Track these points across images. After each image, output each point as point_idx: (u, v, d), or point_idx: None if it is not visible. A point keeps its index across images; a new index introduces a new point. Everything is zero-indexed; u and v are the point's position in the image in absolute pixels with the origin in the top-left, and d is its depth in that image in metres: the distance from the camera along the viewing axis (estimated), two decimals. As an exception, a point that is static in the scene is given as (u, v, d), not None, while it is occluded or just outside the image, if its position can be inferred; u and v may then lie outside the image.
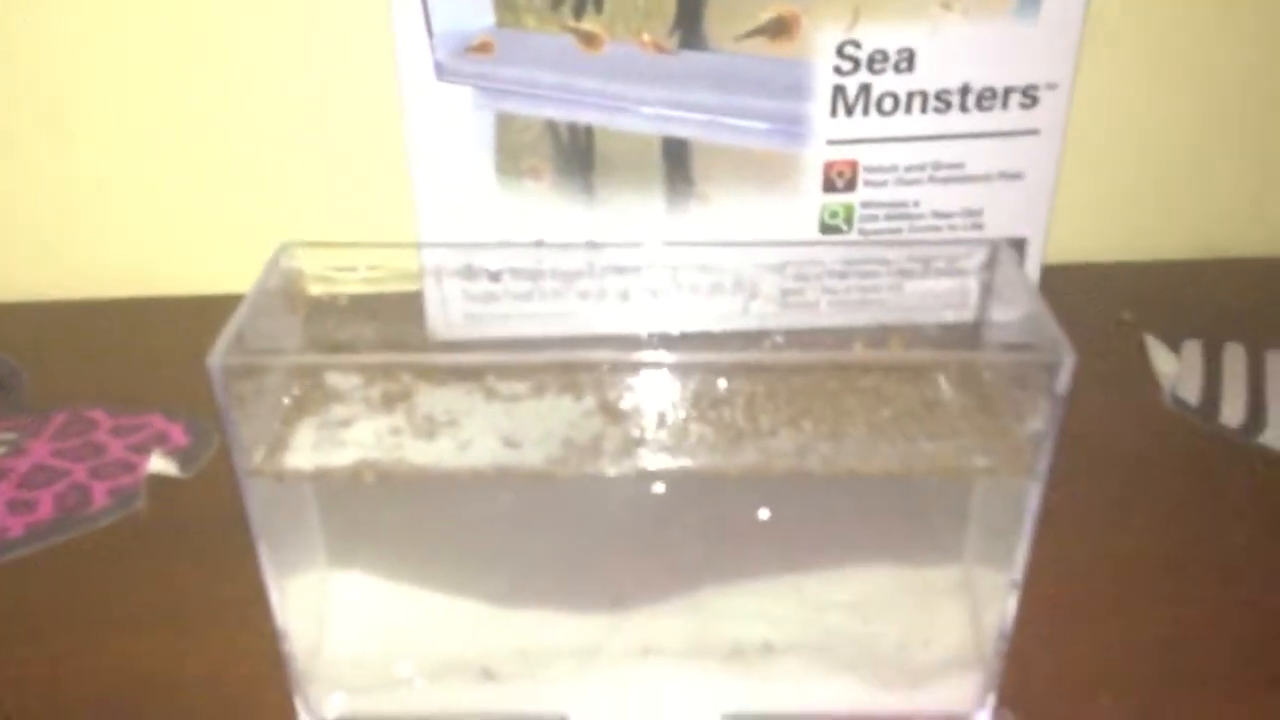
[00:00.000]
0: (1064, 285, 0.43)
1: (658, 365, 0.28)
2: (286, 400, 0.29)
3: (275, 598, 0.28)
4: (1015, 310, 0.30)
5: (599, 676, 0.31)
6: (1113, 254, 0.54)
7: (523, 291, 0.39)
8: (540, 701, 0.31)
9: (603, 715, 0.31)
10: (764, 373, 0.30)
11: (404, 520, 0.30)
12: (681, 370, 0.29)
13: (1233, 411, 0.44)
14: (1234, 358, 0.47)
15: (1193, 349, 0.48)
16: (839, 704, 0.31)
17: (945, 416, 0.29)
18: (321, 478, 0.28)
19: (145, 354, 0.49)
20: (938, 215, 0.47)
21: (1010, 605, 0.28)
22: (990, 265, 0.30)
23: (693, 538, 0.30)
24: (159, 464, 0.41)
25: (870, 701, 0.30)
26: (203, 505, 0.40)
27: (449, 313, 0.42)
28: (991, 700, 0.30)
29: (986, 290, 0.30)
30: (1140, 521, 0.38)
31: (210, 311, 0.51)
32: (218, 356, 0.25)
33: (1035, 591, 0.29)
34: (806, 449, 0.28)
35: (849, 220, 0.48)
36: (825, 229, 0.48)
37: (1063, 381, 0.25)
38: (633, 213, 0.47)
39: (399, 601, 0.31)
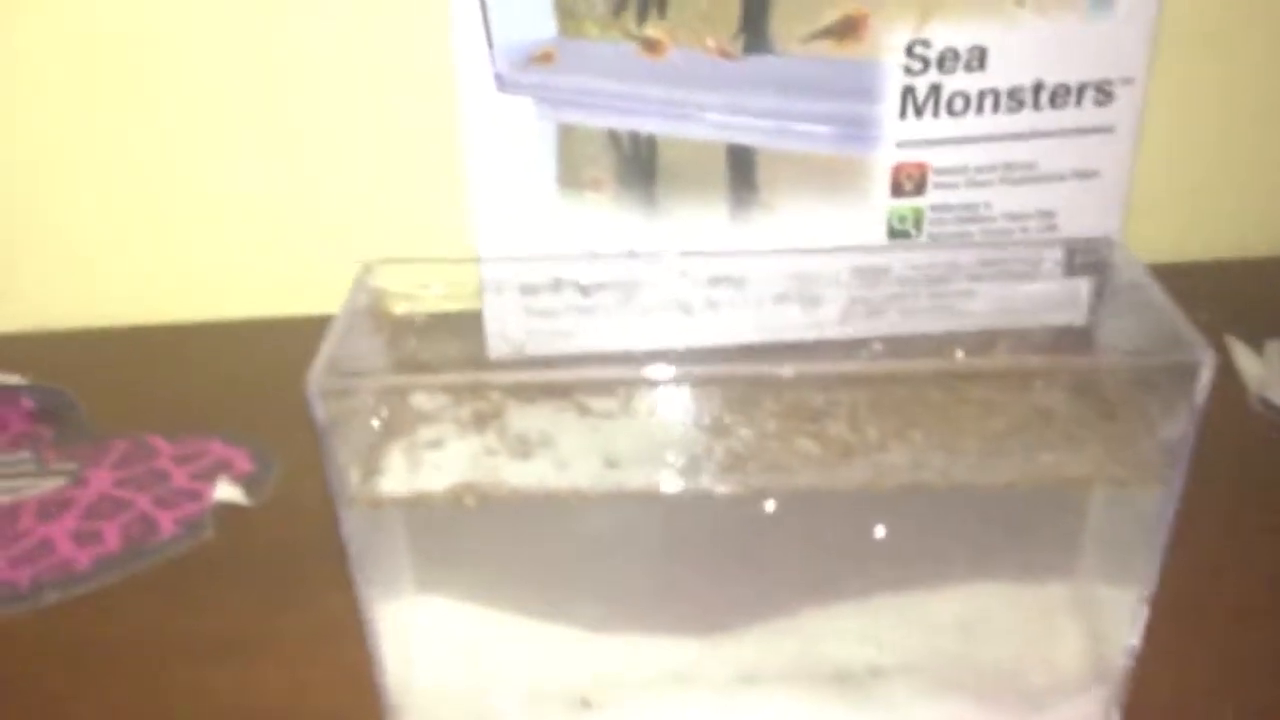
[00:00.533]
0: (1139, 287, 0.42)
1: (755, 377, 0.27)
2: (375, 423, 0.28)
3: (370, 626, 0.27)
4: (1123, 313, 0.29)
5: (700, 703, 0.30)
6: (1190, 254, 0.52)
7: (586, 305, 0.38)
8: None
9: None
10: (866, 384, 0.29)
11: (495, 543, 0.29)
12: (779, 382, 0.28)
13: (1327, 412, 0.42)
14: (1320, 356, 0.45)
15: (1276, 349, 0.46)
16: (953, 727, 0.29)
17: (1063, 426, 0.27)
18: (420, 503, 0.26)
19: (202, 379, 0.49)
20: (1010, 217, 0.46)
21: (1139, 623, 0.27)
22: (1101, 265, 0.29)
23: (795, 557, 0.29)
24: (225, 491, 0.40)
25: (985, 723, 0.29)
26: (271, 533, 0.39)
27: (509, 329, 0.41)
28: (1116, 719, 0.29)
29: (1099, 291, 0.29)
30: (1247, 528, 0.37)
31: (265, 334, 0.50)
32: (315, 379, 0.24)
33: (1160, 618, 0.27)
34: (918, 463, 0.27)
35: (918, 224, 0.46)
36: (893, 234, 0.47)
37: (1204, 383, 0.23)
38: (696, 223, 0.46)
39: (490, 628, 0.30)
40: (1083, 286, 0.29)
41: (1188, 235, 0.53)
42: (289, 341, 0.46)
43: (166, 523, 0.39)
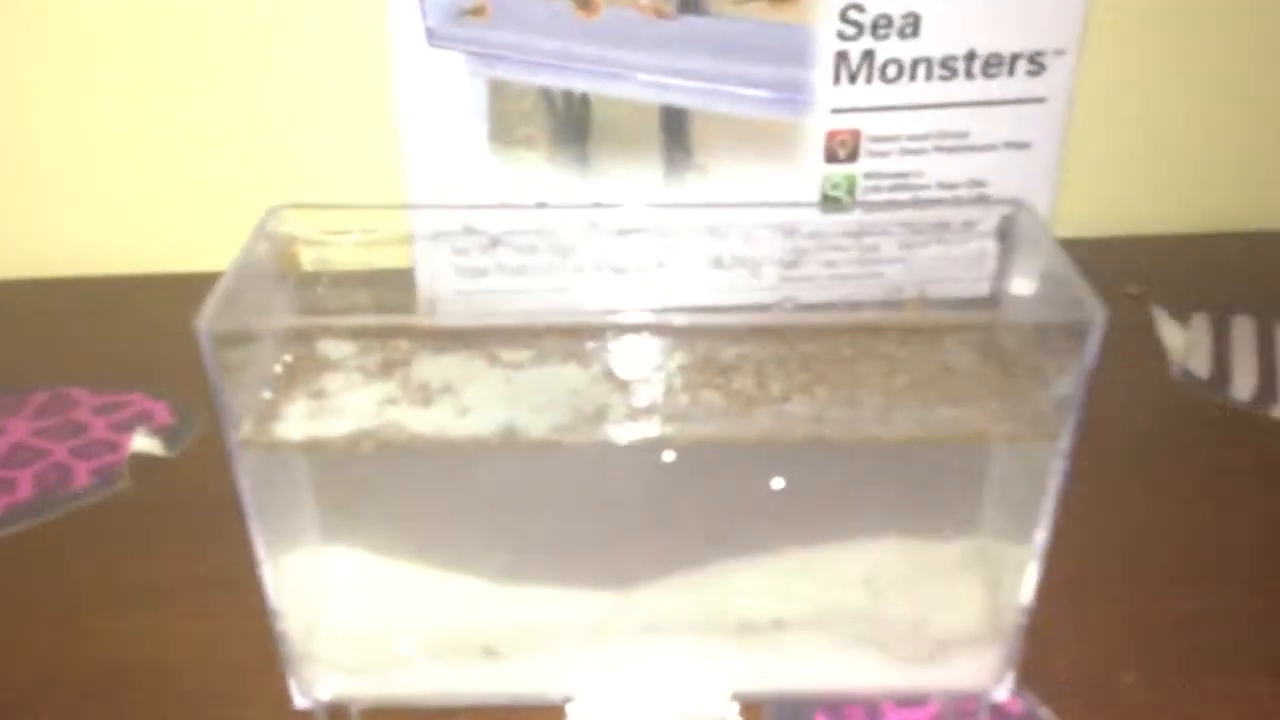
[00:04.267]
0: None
1: (665, 329, 0.27)
2: (277, 369, 0.27)
3: (268, 575, 0.27)
4: (1032, 276, 0.29)
5: (605, 655, 0.30)
6: (1120, 228, 0.53)
7: (517, 265, 0.37)
8: (545, 681, 0.29)
9: (609, 695, 0.29)
10: (775, 339, 0.29)
11: (401, 493, 0.29)
12: (689, 335, 0.28)
13: (1244, 384, 0.43)
14: (1243, 330, 0.46)
15: (1201, 322, 0.47)
16: (853, 680, 0.30)
17: (965, 382, 0.28)
18: (316, 448, 0.26)
19: (127, 333, 0.48)
20: (942, 186, 0.46)
21: (1031, 577, 0.27)
22: (1007, 228, 0.29)
23: (701, 511, 0.29)
24: (143, 443, 0.40)
25: (885, 677, 0.29)
26: (189, 485, 0.39)
27: (438, 286, 0.41)
28: (1010, 676, 0.29)
29: (1005, 253, 0.29)
30: (1155, 495, 0.37)
31: (195, 288, 0.50)
32: (205, 320, 0.23)
33: (1051, 566, 0.28)
34: (821, 416, 0.27)
35: (851, 191, 0.46)
36: (827, 201, 0.47)
37: (1093, 343, 0.24)
38: (629, 184, 0.45)
39: (396, 578, 0.30)
40: (990, 248, 0.29)
41: (1120, 208, 0.54)
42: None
43: (82, 472, 0.39)
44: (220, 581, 0.34)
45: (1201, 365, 0.44)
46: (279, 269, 0.28)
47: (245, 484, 0.25)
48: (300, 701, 0.29)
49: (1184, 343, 0.45)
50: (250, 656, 0.31)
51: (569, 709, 0.29)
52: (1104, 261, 0.50)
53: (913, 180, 0.46)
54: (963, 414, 0.27)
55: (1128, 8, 0.50)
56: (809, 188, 0.46)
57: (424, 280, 0.36)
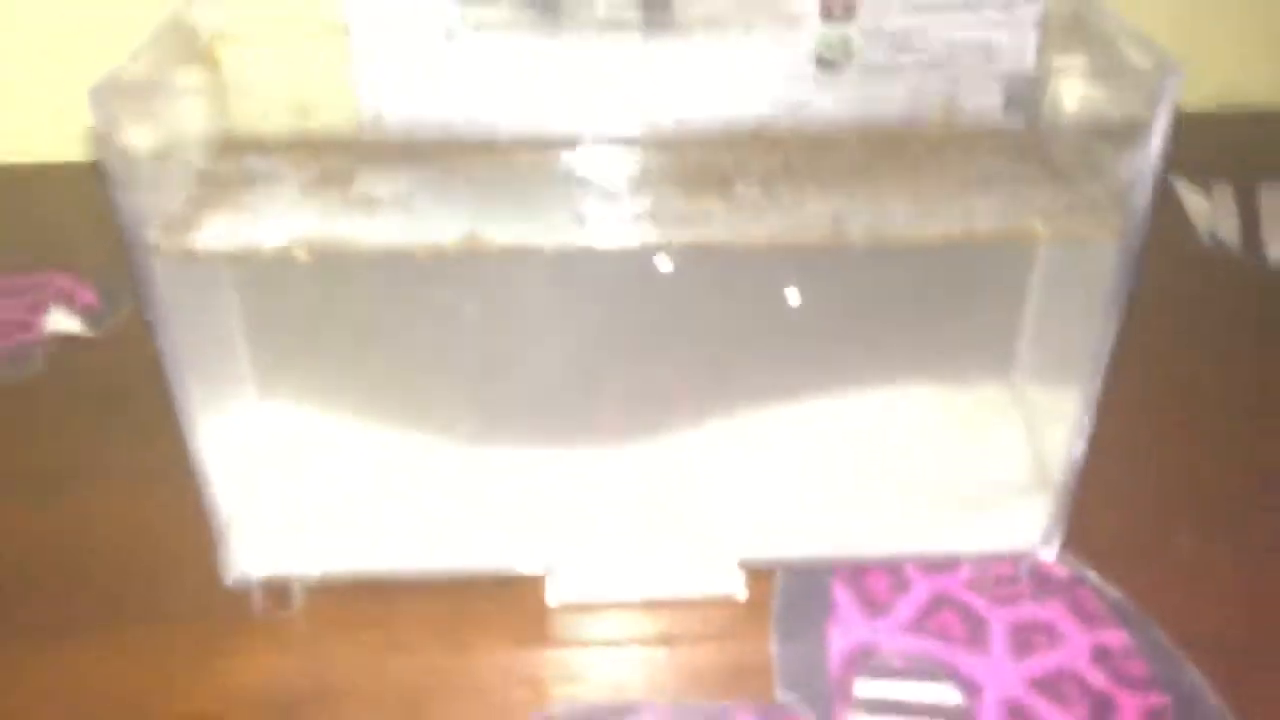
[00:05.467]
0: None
1: (654, 140, 0.23)
2: (194, 180, 0.23)
3: (192, 433, 0.23)
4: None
5: (589, 521, 0.26)
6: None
7: (475, 73, 0.32)
8: (518, 552, 0.25)
9: (592, 567, 0.25)
10: (780, 149, 0.25)
11: (346, 331, 0.24)
12: (683, 146, 0.24)
13: (1276, 245, 0.39)
14: (1271, 196, 0.43)
15: (1224, 191, 0.43)
16: (875, 543, 0.26)
17: (1006, 183, 0.24)
18: (241, 260, 0.22)
19: (53, 218, 0.43)
20: (949, 45, 0.42)
21: (1083, 423, 0.23)
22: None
23: (703, 346, 0.25)
24: (62, 322, 0.36)
25: (911, 539, 0.26)
26: (115, 367, 0.34)
27: (381, 96, 0.35)
28: (1058, 537, 0.25)
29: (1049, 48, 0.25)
30: (1199, 355, 0.34)
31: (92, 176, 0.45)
32: (99, 98, 0.19)
33: (1097, 434, 0.24)
34: (839, 217, 0.23)
35: (847, 53, 0.42)
36: (821, 65, 0.42)
37: (1170, 95, 0.20)
38: (605, 47, 0.41)
39: (343, 434, 0.26)
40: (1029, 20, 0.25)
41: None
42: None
43: (-10, 353, 0.34)
44: (148, 466, 0.29)
45: (1231, 233, 0.41)
46: (194, 68, 0.23)
47: (162, 313, 0.21)
48: (232, 577, 0.25)
49: (1209, 210, 0.42)
50: (177, 538, 0.27)
51: (547, 584, 0.25)
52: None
53: (914, 41, 0.42)
54: (1005, 209, 0.23)
55: None
56: (802, 49, 0.42)
57: (365, 89, 0.31)
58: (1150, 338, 0.34)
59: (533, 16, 0.40)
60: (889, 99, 0.33)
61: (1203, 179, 0.44)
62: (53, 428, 0.32)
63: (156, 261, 0.21)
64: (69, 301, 0.37)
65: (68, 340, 0.35)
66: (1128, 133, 0.21)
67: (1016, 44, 0.40)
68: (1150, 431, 0.30)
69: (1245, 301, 0.37)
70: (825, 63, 0.43)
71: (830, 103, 0.35)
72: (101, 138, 0.20)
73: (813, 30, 0.41)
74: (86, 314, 0.36)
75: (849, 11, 0.41)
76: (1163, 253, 0.39)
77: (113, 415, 0.32)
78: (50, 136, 0.47)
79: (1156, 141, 0.21)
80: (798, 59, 0.42)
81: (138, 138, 0.20)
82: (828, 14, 0.41)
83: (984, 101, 0.29)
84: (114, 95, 0.20)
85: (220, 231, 0.22)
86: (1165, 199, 0.43)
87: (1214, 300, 0.37)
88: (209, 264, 0.22)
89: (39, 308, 0.36)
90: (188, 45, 0.24)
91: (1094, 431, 0.24)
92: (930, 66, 0.42)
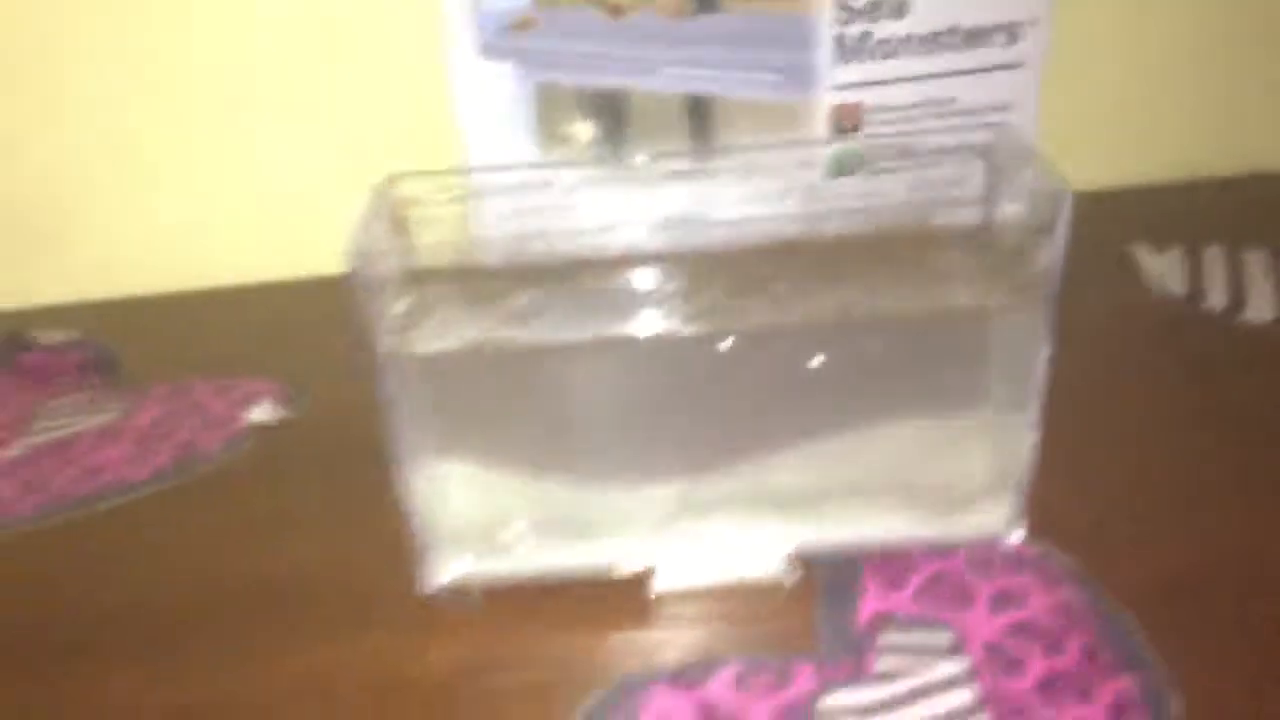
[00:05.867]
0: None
1: (707, 254, 0.33)
2: (399, 306, 0.33)
3: (404, 480, 0.33)
4: (1015, 187, 0.35)
5: (678, 532, 0.35)
6: (1097, 181, 0.59)
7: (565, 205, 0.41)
8: (629, 556, 0.35)
9: (683, 564, 0.35)
10: (800, 255, 0.35)
11: (501, 407, 0.35)
12: (729, 257, 0.34)
13: (1218, 297, 0.48)
14: (1214, 256, 0.52)
15: (1176, 252, 0.52)
16: (890, 537, 0.35)
17: (962, 275, 0.33)
18: (441, 360, 0.32)
19: (229, 335, 0.54)
20: (941, 152, 0.52)
21: (1031, 440, 0.33)
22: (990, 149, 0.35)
23: (751, 405, 0.35)
24: (260, 414, 0.46)
25: (918, 532, 0.35)
26: (306, 445, 0.45)
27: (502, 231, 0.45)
28: (1022, 525, 0.35)
29: (993, 172, 0.35)
30: (1141, 388, 0.43)
31: (284, 295, 0.56)
32: (353, 254, 0.29)
33: (1055, 440, 0.34)
34: (847, 304, 0.33)
35: (858, 164, 0.52)
36: (836, 174, 0.53)
37: (1064, 213, 0.29)
38: (661, 179, 0.51)
39: (500, 481, 0.36)
40: (978, 167, 0.35)
41: (1096, 162, 0.60)
42: (306, 301, 0.53)
43: (209, 441, 0.45)
44: (342, 515, 0.40)
45: (1177, 285, 0.50)
46: (392, 224, 0.34)
47: (388, 396, 0.31)
48: (429, 584, 0.35)
49: (1162, 268, 0.51)
50: (382, 563, 0.36)
51: (651, 579, 0.35)
52: (1086, 213, 0.56)
53: (915, 148, 0.52)
54: (961, 295, 0.33)
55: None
56: (820, 161, 0.52)
57: (487, 229, 0.41)
58: (1101, 370, 0.44)
59: (607, 153, 0.50)
60: (891, 194, 0.43)
61: (1161, 242, 0.53)
62: (269, 491, 0.42)
63: (385, 363, 0.31)
64: (260, 399, 0.47)
65: (265, 428, 0.46)
66: (1042, 234, 0.31)
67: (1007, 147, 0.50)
68: (1100, 442, 0.40)
69: (1182, 339, 0.46)
70: (839, 173, 0.53)
71: (844, 204, 0.45)
72: (358, 282, 0.30)
73: (825, 149, 0.51)
74: (279, 406, 0.47)
75: (855, 127, 0.52)
76: (1117, 304, 0.49)
77: (309, 480, 0.42)
78: (216, 261, 0.59)
79: (1061, 238, 0.30)
80: (814, 173, 0.53)
81: (376, 280, 0.31)
82: (839, 129, 0.52)
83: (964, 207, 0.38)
84: (361, 255, 0.30)
85: (424, 338, 0.32)
86: (1125, 262, 0.53)
87: (1156, 338, 0.46)
88: (410, 362, 0.32)
89: (241, 405, 0.47)
90: (388, 207, 0.34)
91: (1055, 444, 0.34)
92: (928, 167, 0.52)
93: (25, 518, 0.42)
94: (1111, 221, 0.55)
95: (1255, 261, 0.51)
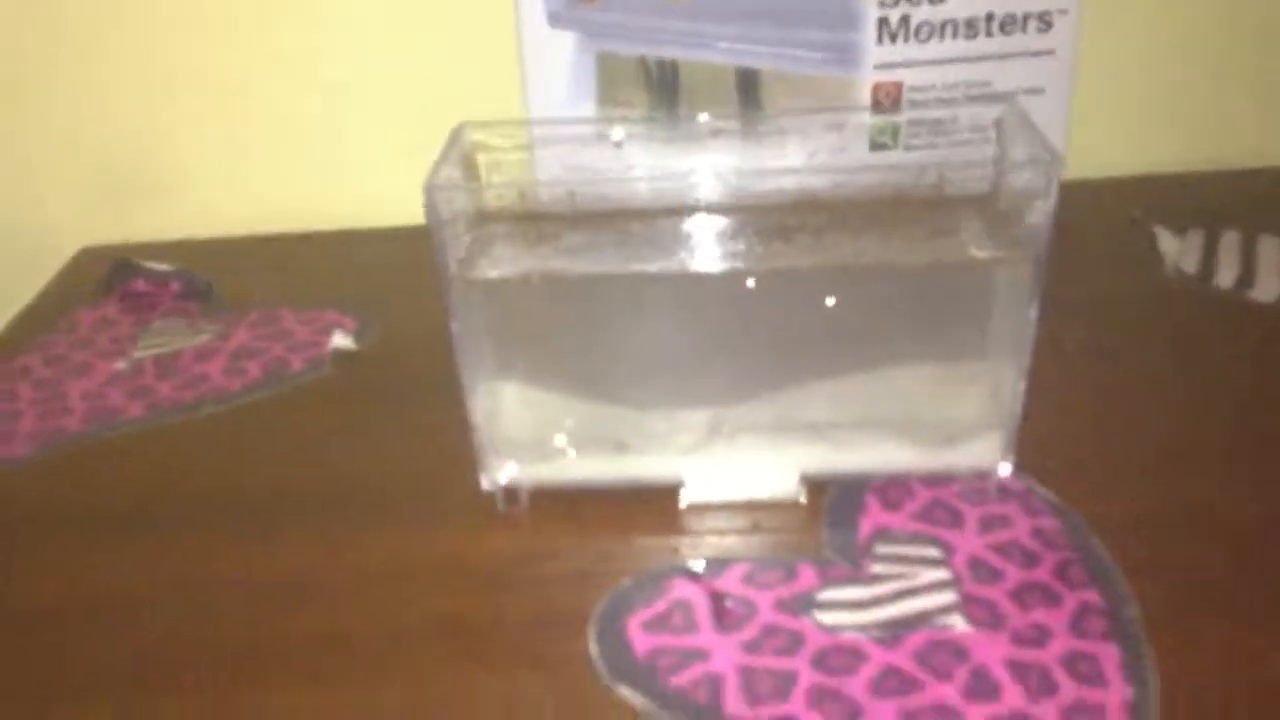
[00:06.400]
0: (1084, 195, 0.52)
1: (741, 204, 0.37)
2: (466, 237, 0.38)
3: (467, 395, 0.38)
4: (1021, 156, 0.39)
5: (707, 452, 0.40)
6: (1127, 166, 0.62)
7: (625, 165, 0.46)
8: (663, 471, 0.40)
9: (710, 480, 0.40)
10: (825, 209, 0.39)
11: (552, 332, 0.39)
12: (760, 209, 0.38)
13: (1227, 275, 0.52)
14: (1230, 239, 0.55)
15: (1195, 235, 0.56)
16: (894, 466, 0.39)
17: (967, 235, 0.38)
18: (494, 286, 0.37)
19: (314, 274, 0.60)
20: (973, 130, 0.56)
21: (1021, 384, 0.37)
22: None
23: (775, 340, 0.39)
24: (340, 340, 0.51)
25: (918, 462, 0.39)
26: (378, 369, 0.50)
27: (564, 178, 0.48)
28: (1010, 459, 0.39)
29: (1001, 143, 0.39)
30: (1139, 353, 0.47)
31: (360, 243, 0.62)
32: (428, 189, 0.34)
33: (1052, 393, 0.38)
34: (861, 250, 0.37)
35: (895, 137, 0.56)
36: (874, 147, 0.57)
37: (1054, 179, 0.33)
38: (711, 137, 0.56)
39: (552, 399, 0.40)
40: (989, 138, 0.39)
41: (1125, 148, 0.63)
42: (384, 247, 0.58)
43: (295, 361, 0.50)
44: (411, 427, 0.45)
45: (1191, 266, 0.53)
46: (463, 166, 0.39)
47: (453, 320, 0.36)
48: (487, 485, 0.40)
49: (1178, 249, 0.54)
50: (445, 465, 0.41)
51: (681, 491, 0.40)
52: (1111, 193, 0.60)
53: (947, 125, 0.56)
54: (963, 250, 0.37)
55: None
56: (860, 135, 0.56)
57: (547, 175, 0.46)
58: (1105, 335, 0.47)
59: (660, 115, 0.55)
60: (919, 164, 0.47)
61: (1183, 226, 0.57)
62: (347, 406, 0.47)
63: (453, 286, 0.36)
64: (341, 327, 0.53)
65: (344, 353, 0.51)
66: (1036, 198, 0.35)
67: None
68: (1092, 395, 0.43)
69: (1189, 313, 0.49)
70: (877, 145, 0.57)
71: (874, 172, 0.49)
72: (431, 214, 0.35)
73: (868, 119, 0.55)
74: (353, 334, 0.52)
75: (895, 105, 0.56)
76: (1133, 280, 0.52)
77: (382, 398, 0.47)
78: (301, 208, 0.64)
79: (1052, 202, 0.34)
80: (856, 142, 0.57)
81: (447, 213, 0.36)
82: (878, 106, 0.55)
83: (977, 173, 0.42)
84: (435, 190, 0.35)
85: (485, 267, 0.37)
86: (1144, 242, 0.56)
87: (1162, 309, 0.50)
88: (478, 288, 0.37)
89: (323, 331, 0.52)
90: (461, 151, 0.39)
91: (1051, 392, 0.38)
92: (951, 138, 0.56)
93: (135, 420, 0.47)
94: (1135, 205, 0.59)
95: (1270, 246, 0.54)
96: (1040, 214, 0.34)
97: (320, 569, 0.38)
